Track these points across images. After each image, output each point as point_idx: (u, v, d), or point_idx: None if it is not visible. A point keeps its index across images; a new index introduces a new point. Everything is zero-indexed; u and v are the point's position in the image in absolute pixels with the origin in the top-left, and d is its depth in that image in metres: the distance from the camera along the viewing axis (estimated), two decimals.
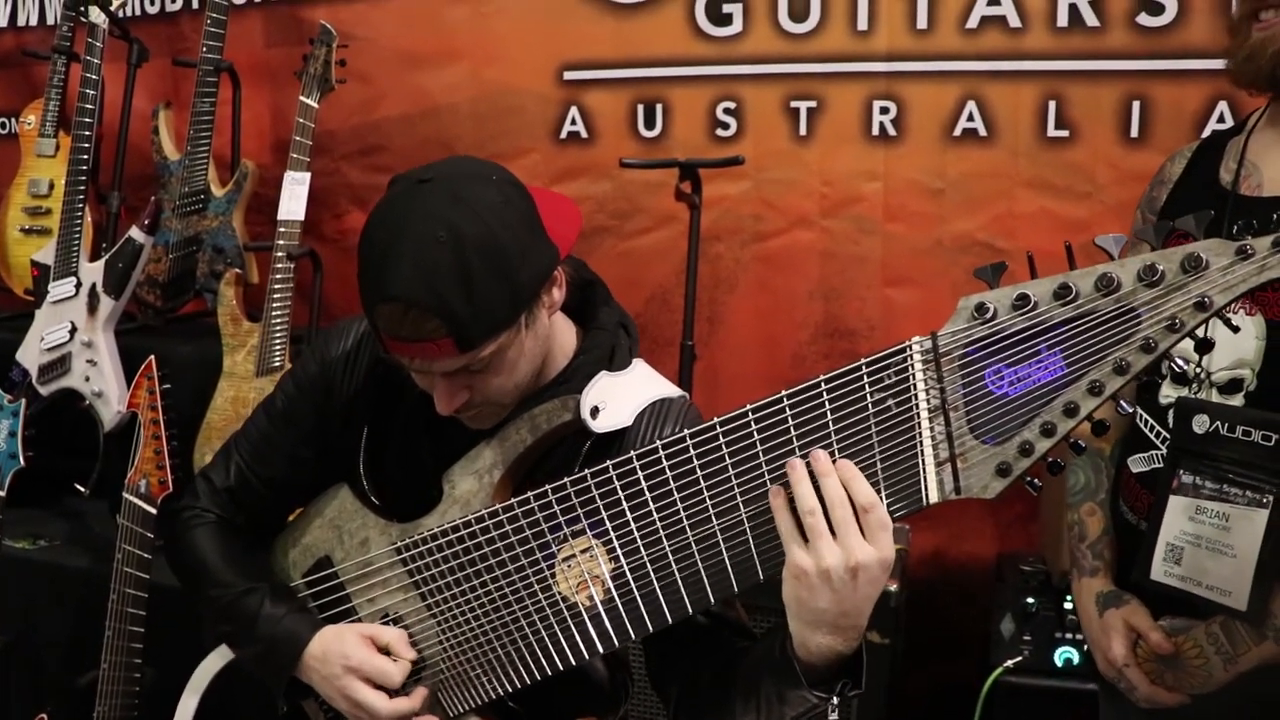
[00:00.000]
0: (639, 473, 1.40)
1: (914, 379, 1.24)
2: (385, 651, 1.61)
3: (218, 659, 1.84)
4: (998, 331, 1.20)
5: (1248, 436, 1.58)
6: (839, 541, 1.25)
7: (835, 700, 1.36)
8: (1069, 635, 2.49)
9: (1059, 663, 2.49)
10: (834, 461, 1.27)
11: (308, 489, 1.74)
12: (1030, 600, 2.55)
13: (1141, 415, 1.84)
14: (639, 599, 1.43)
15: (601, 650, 1.48)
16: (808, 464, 1.28)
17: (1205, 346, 1.16)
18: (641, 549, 1.42)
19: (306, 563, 1.73)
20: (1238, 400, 1.70)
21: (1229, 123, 2.73)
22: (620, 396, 1.56)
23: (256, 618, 1.66)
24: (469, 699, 1.61)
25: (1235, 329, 1.19)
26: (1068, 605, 2.50)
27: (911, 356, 1.24)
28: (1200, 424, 1.63)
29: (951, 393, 1.23)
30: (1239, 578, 1.58)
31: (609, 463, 1.42)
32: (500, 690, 1.57)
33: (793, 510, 1.28)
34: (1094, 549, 1.89)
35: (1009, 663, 2.50)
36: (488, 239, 1.39)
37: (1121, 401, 1.18)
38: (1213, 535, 1.62)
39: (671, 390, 1.62)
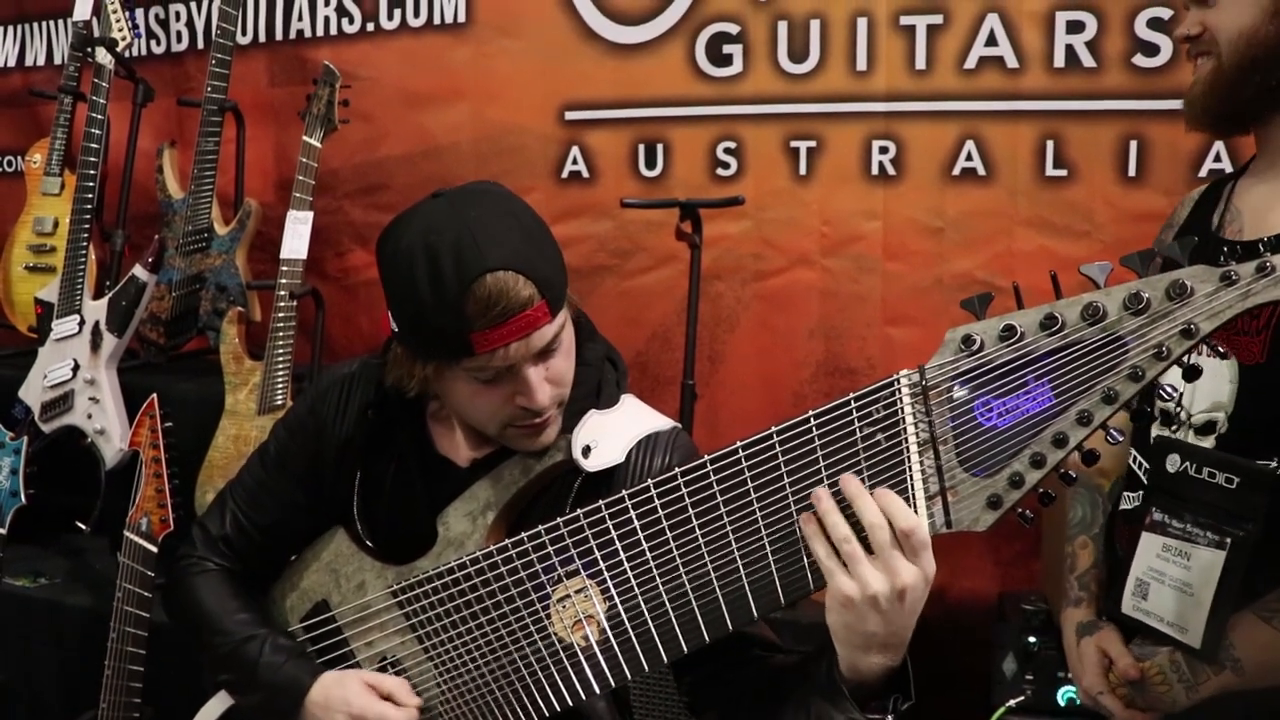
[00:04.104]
0: (631, 512, 1.40)
1: (902, 413, 1.25)
2: (388, 699, 1.60)
3: (217, 705, 1.83)
4: (985, 363, 1.20)
5: (1212, 478, 1.58)
6: (882, 565, 1.23)
7: (890, 718, 1.35)
8: (1072, 674, 2.47)
9: (1061, 702, 2.47)
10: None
11: (303, 534, 1.74)
12: (1032, 639, 2.53)
13: (1134, 455, 1.85)
14: (634, 639, 1.43)
15: (598, 690, 1.47)
16: (835, 491, 1.26)
17: (1193, 373, 1.16)
18: (635, 588, 1.42)
19: (304, 607, 1.72)
20: (1209, 442, 1.70)
21: (1225, 162, 2.75)
22: (611, 434, 1.56)
23: (257, 665, 1.65)
24: None
25: (1224, 355, 1.19)
26: None
27: (899, 390, 1.25)
28: (1172, 463, 1.64)
29: (940, 426, 1.23)
30: (1195, 616, 1.58)
31: (601, 502, 1.42)
32: None
33: (827, 538, 1.26)
34: (1080, 580, 1.90)
35: (1011, 702, 2.48)
36: (533, 213, 1.49)
37: (1112, 430, 1.19)
38: (1175, 573, 1.62)
39: (662, 422, 1.63)
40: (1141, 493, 1.78)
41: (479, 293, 1.39)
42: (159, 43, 3.95)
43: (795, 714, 1.41)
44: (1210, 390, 1.69)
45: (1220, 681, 1.64)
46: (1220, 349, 1.16)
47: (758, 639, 1.56)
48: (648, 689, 2.63)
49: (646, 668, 1.43)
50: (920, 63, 3.01)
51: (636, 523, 1.40)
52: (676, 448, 1.60)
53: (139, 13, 3.84)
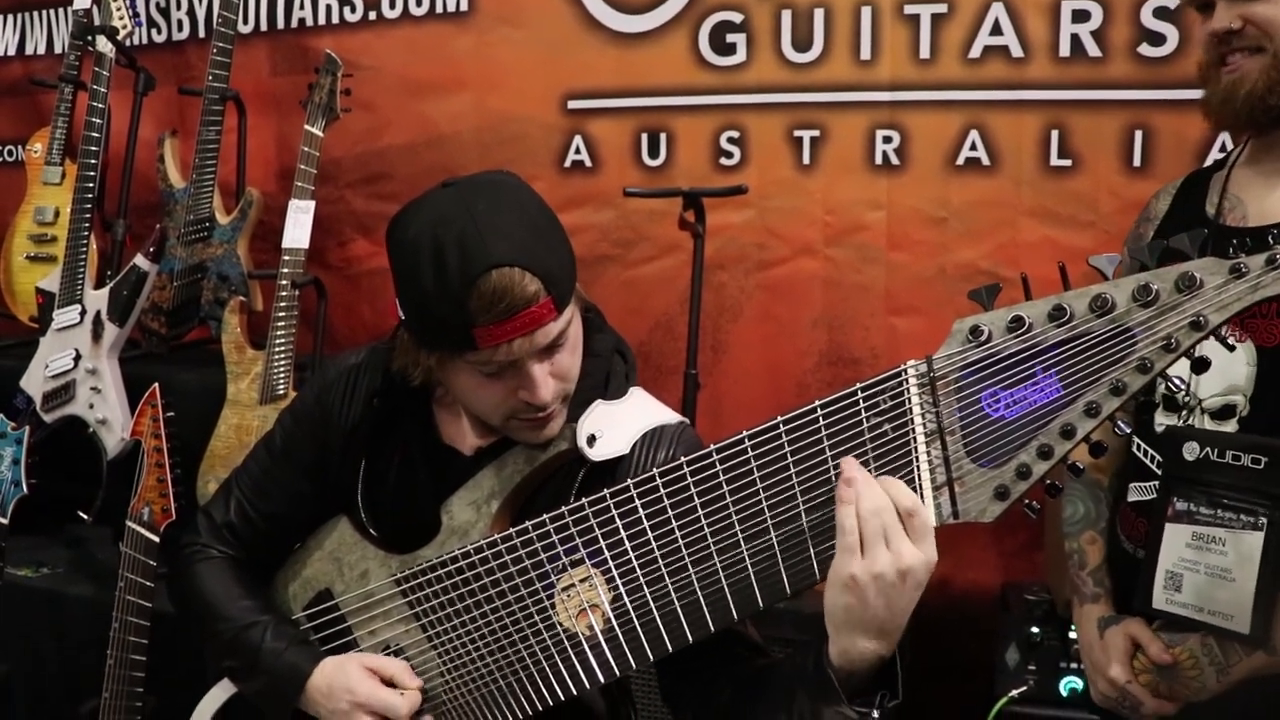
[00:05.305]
0: (636, 501, 1.40)
1: (910, 403, 1.24)
2: (390, 684, 1.59)
3: (220, 693, 1.83)
4: (993, 354, 1.20)
5: (1238, 461, 1.59)
6: (890, 546, 1.23)
7: (876, 714, 1.34)
8: (1074, 665, 2.47)
9: (1064, 692, 2.47)
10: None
11: (307, 523, 1.74)
12: (1035, 630, 2.53)
13: (1138, 444, 1.84)
14: (639, 628, 1.43)
15: (602, 679, 1.47)
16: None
17: (1201, 365, 1.15)
18: (640, 577, 1.41)
19: (307, 596, 1.72)
20: (1230, 426, 1.70)
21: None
22: (617, 424, 1.56)
23: (259, 652, 1.65)
24: None
25: (1231, 348, 1.19)
26: (1073, 635, 2.48)
27: (907, 381, 1.24)
28: (1190, 451, 1.64)
29: (948, 416, 1.22)
30: (1240, 601, 1.58)
31: (606, 492, 1.42)
32: None
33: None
34: (1095, 576, 1.90)
35: (1014, 692, 2.48)
36: (543, 206, 1.48)
37: (1119, 422, 1.18)
38: (1210, 560, 1.62)
39: (669, 416, 1.62)
40: (1154, 484, 1.78)
41: (483, 288, 1.38)
42: (160, 31, 3.94)
43: (772, 706, 1.41)
44: (1224, 374, 1.69)
45: (1251, 663, 1.65)
46: (1229, 341, 1.16)
47: (744, 639, 1.55)
48: (650, 679, 2.63)
49: (651, 658, 1.43)
50: (924, 52, 2.99)
51: (641, 512, 1.40)
52: (682, 442, 1.59)
53: (139, 1, 3.84)
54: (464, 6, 3.45)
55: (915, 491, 1.25)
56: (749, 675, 1.50)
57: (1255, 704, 1.68)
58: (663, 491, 1.38)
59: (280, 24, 3.72)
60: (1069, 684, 2.47)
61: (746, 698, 1.48)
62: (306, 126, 3.09)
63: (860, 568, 1.24)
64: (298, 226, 3.09)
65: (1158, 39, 2.79)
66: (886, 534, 1.23)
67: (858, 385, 1.27)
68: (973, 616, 2.99)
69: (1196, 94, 2.51)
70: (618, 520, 1.41)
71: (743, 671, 1.51)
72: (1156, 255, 1.13)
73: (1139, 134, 2.84)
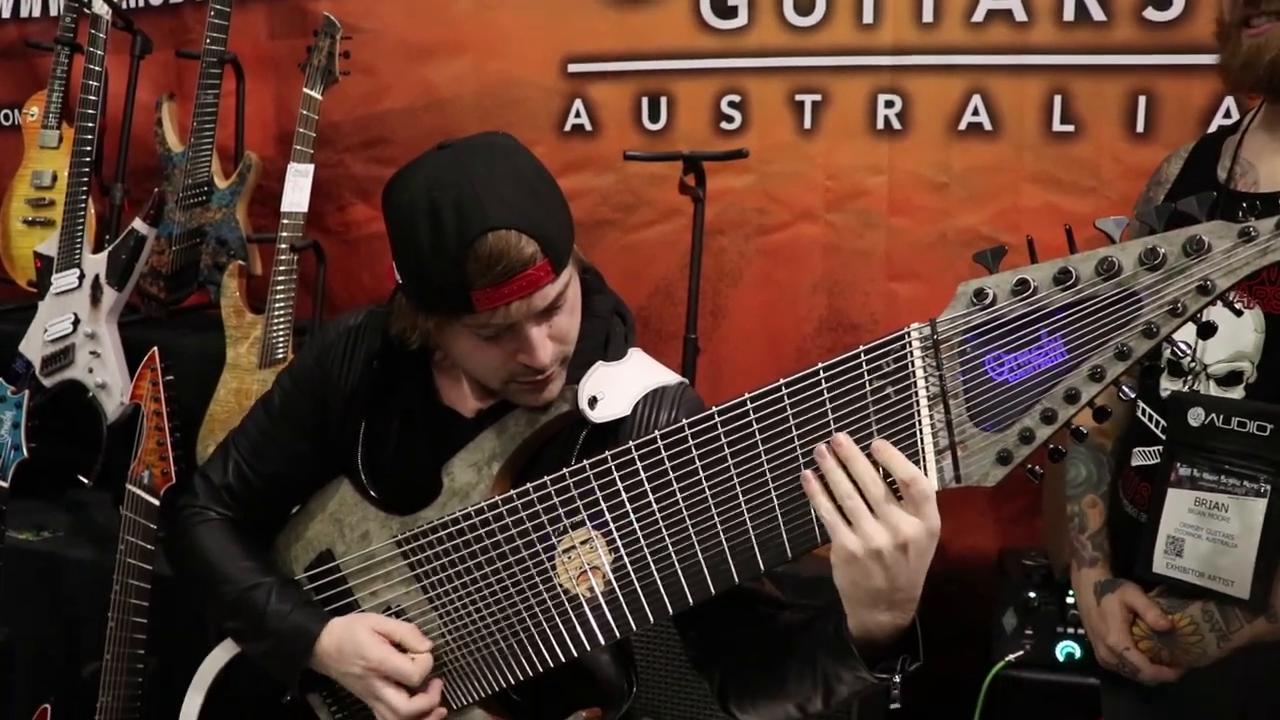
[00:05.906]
0: (638, 463, 1.39)
1: (913, 366, 1.23)
2: (399, 648, 1.60)
3: (222, 654, 1.83)
4: (997, 317, 1.19)
5: (1243, 427, 1.59)
6: (881, 520, 1.23)
7: (897, 679, 1.35)
8: (1071, 630, 2.49)
9: (1060, 657, 2.49)
10: (869, 442, 1.25)
11: (307, 484, 1.73)
12: (1032, 594, 2.55)
13: (1143, 409, 1.85)
14: (639, 590, 1.43)
15: (603, 641, 1.48)
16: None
17: (1208, 330, 1.15)
18: (641, 540, 1.41)
19: (308, 557, 1.72)
20: (1237, 392, 1.70)
21: (1235, 118, 2.72)
22: (618, 386, 1.55)
23: (264, 613, 1.65)
24: (472, 691, 1.60)
25: (1239, 312, 1.18)
26: (1069, 600, 2.50)
27: (910, 344, 1.23)
28: (1195, 417, 1.64)
29: (951, 380, 1.22)
30: (1240, 567, 1.59)
31: (608, 454, 1.42)
32: (503, 682, 1.56)
33: (830, 494, 1.26)
34: (1094, 540, 1.91)
35: (1010, 657, 2.49)
36: (539, 168, 1.47)
37: (1124, 387, 1.18)
38: (1212, 526, 1.63)
39: (669, 377, 1.62)
40: (1158, 448, 1.78)
41: (480, 251, 1.37)
42: None
43: (801, 671, 1.42)
44: (1229, 340, 1.69)
45: (1253, 630, 1.66)
46: (1236, 306, 1.15)
47: (763, 596, 1.55)
48: (651, 642, 2.64)
49: (651, 620, 1.43)
50: (927, 15, 2.97)
51: (643, 474, 1.39)
52: (683, 403, 1.59)
53: None
54: None
55: (918, 454, 1.24)
56: (773, 636, 1.50)
57: (1256, 670, 1.69)
58: (664, 454, 1.38)
59: None
60: (1065, 649, 2.49)
61: (773, 658, 1.48)
62: (305, 90, 3.07)
63: (857, 545, 1.24)
64: (296, 190, 3.08)
65: (1163, 3, 2.77)
66: (875, 508, 1.23)
67: (861, 348, 1.26)
68: (970, 582, 2.99)
69: (1201, 59, 2.49)
70: (619, 482, 1.41)
71: (767, 631, 1.52)
72: (1164, 218, 1.12)
73: (1142, 99, 2.83)
